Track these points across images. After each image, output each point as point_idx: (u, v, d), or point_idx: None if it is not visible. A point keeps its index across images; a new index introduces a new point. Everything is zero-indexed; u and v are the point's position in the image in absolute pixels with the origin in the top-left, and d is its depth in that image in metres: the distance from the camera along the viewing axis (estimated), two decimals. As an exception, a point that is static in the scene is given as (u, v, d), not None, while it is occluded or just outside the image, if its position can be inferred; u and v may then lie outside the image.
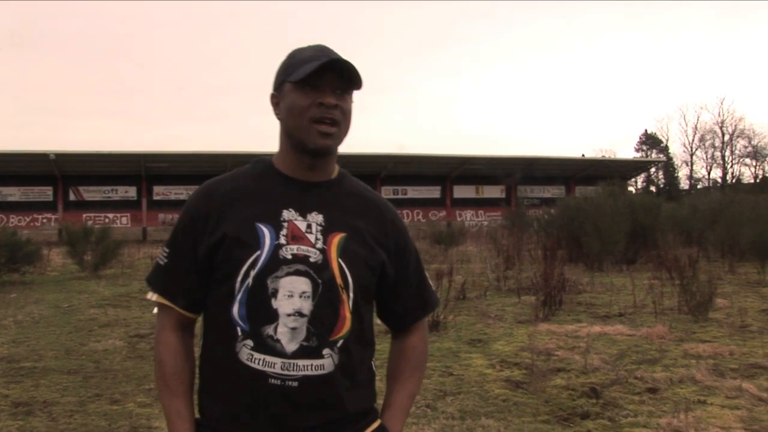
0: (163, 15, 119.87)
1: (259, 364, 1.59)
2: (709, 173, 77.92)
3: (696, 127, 77.36)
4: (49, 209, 44.87)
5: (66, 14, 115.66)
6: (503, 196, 52.20)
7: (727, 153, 76.02)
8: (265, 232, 1.64)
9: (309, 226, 1.66)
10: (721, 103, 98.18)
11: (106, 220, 40.97)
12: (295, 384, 1.59)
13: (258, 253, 1.61)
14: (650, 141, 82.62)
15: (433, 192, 51.76)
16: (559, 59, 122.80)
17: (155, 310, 1.80)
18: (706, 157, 77.97)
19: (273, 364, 1.58)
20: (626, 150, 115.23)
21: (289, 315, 1.59)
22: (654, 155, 77.94)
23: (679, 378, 5.87)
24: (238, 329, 1.61)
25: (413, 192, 50.89)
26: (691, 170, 78.55)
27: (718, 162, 76.87)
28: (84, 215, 40.71)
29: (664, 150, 79.72)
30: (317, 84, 1.63)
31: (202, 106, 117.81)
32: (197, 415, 1.72)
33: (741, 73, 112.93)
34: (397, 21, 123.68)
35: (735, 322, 8.32)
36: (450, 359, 6.87)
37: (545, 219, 22.82)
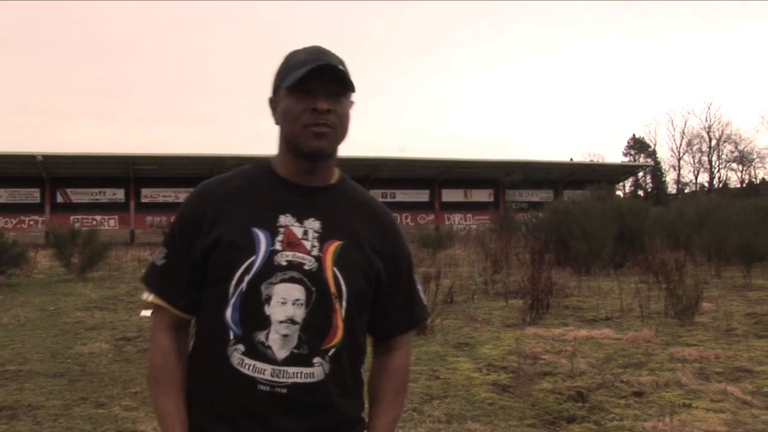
0: (153, 16, 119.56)
1: (249, 369, 1.58)
2: (696, 178, 78.49)
3: (683, 132, 77.94)
4: (36, 211, 44.63)
5: (54, 15, 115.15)
6: (491, 199, 52.34)
7: (714, 158, 76.55)
8: (261, 237, 1.62)
9: (305, 233, 1.64)
10: (708, 108, 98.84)
11: (94, 223, 40.85)
12: (284, 391, 1.57)
13: (253, 258, 1.60)
14: (638, 145, 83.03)
15: (422, 195, 51.83)
16: (548, 64, 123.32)
17: (142, 313, 1.78)
18: (694, 161, 78.55)
19: (263, 371, 1.57)
20: (614, 154, 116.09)
21: (281, 322, 1.58)
22: (642, 160, 78.24)
23: (664, 381, 5.89)
24: (231, 333, 1.60)
25: (402, 195, 50.92)
26: (679, 175, 79.11)
27: (705, 166, 77.41)
28: (71, 217, 40.62)
29: (652, 154, 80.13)
30: (310, 89, 1.61)
31: (193, 109, 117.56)
32: None
33: (728, 78, 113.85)
34: (386, 24, 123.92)
35: (721, 326, 8.36)
36: (437, 363, 6.87)
37: (533, 223, 22.89)
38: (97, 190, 45.54)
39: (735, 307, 9.99)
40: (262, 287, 1.59)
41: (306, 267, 1.61)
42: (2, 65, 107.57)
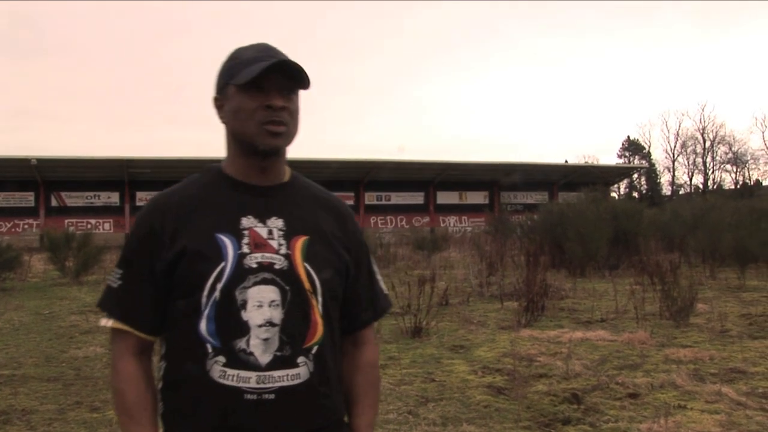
0: (150, 19, 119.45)
1: (232, 380, 1.52)
2: (690, 179, 78.72)
3: (678, 134, 78.24)
4: (30, 215, 44.55)
5: (50, 18, 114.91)
6: (486, 202, 52.38)
7: (709, 159, 76.86)
8: (227, 242, 1.57)
9: (270, 232, 1.61)
10: (703, 110, 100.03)
11: (89, 226, 40.77)
12: (272, 397, 1.53)
13: (222, 264, 1.55)
14: (633, 147, 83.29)
15: (417, 198, 51.83)
16: (542, 66, 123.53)
17: (102, 322, 1.71)
18: (688, 163, 78.83)
19: (248, 379, 1.53)
20: (609, 156, 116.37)
21: (260, 326, 1.54)
22: (636, 161, 78.49)
23: (659, 383, 5.90)
24: (208, 346, 1.54)
25: (396, 198, 50.94)
26: (673, 176, 79.34)
27: (699, 168, 77.68)
28: (66, 221, 40.51)
29: (647, 156, 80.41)
30: (263, 86, 1.58)
31: (188, 112, 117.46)
32: None
33: (722, 80, 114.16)
34: (387, 24, 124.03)
35: (715, 327, 8.38)
36: (432, 365, 6.87)
37: (528, 225, 22.90)
38: (91, 193, 45.47)
39: (729, 308, 10.01)
40: (237, 293, 1.54)
41: (277, 266, 1.58)
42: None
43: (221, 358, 1.53)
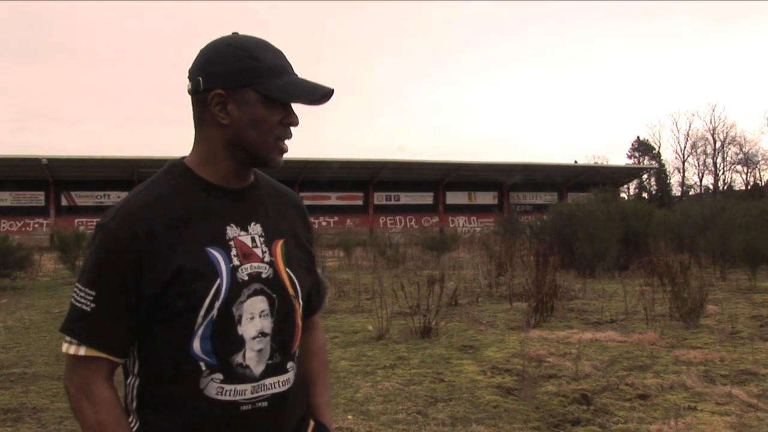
0: (158, 19, 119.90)
1: (229, 395, 1.49)
2: (700, 180, 78.45)
3: (688, 134, 78.05)
4: (40, 214, 44.80)
5: (58, 18, 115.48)
6: (496, 202, 52.35)
7: (719, 160, 76.58)
8: (218, 257, 1.49)
9: (253, 240, 1.56)
10: (713, 111, 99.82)
11: (98, 226, 40.84)
12: (265, 404, 1.53)
13: (218, 281, 1.47)
14: (642, 148, 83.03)
15: (426, 198, 51.84)
16: (552, 66, 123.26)
17: (66, 348, 1.55)
18: (698, 163, 78.57)
19: (243, 392, 1.50)
20: (619, 156, 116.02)
21: (254, 338, 1.51)
22: (646, 162, 78.25)
23: (669, 384, 5.87)
24: (202, 364, 1.47)
25: (406, 198, 50.95)
26: (683, 177, 79.07)
27: (709, 169, 77.40)
28: (76, 220, 40.70)
29: (656, 157, 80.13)
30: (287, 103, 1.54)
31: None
32: None
33: (732, 80, 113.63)
34: (387, 25, 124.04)
35: (726, 329, 8.34)
36: (441, 365, 6.86)
37: (537, 225, 22.84)
38: (101, 193, 45.65)
39: (740, 309, 9.96)
40: (234, 309, 1.48)
41: (263, 275, 1.54)
42: (7, 69, 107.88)
43: (218, 375, 1.48)
